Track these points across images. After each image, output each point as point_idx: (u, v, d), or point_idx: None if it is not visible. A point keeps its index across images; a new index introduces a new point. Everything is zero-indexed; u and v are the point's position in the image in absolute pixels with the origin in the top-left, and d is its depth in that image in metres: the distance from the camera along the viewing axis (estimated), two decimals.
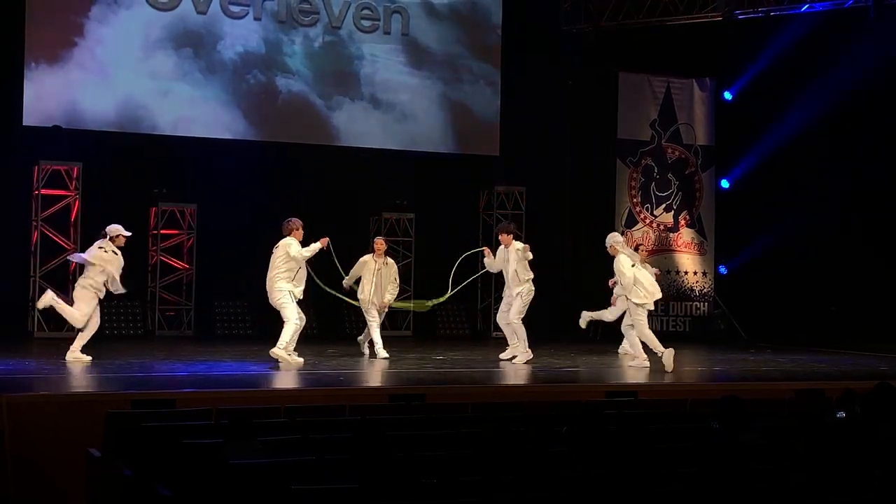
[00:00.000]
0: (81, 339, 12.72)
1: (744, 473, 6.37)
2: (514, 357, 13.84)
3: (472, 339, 18.05)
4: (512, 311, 13.92)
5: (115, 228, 12.86)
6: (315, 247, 12.90)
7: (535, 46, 19.06)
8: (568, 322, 18.09)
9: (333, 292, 14.08)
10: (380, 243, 14.35)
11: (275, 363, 12.52)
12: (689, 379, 13.70)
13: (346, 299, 14.34)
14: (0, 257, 16.30)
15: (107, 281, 12.75)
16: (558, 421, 8.01)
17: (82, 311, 12.67)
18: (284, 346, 12.63)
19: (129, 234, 12.98)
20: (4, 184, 16.37)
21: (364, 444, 6.10)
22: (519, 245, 13.98)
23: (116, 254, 12.82)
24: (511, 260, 13.93)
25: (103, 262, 12.72)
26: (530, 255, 13.78)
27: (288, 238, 12.88)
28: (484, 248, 14.68)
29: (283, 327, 12.86)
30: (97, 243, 12.86)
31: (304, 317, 12.96)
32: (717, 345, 18.37)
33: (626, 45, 19.14)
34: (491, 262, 14.36)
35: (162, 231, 17.06)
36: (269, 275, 12.84)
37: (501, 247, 14.15)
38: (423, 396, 10.43)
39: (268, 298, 12.94)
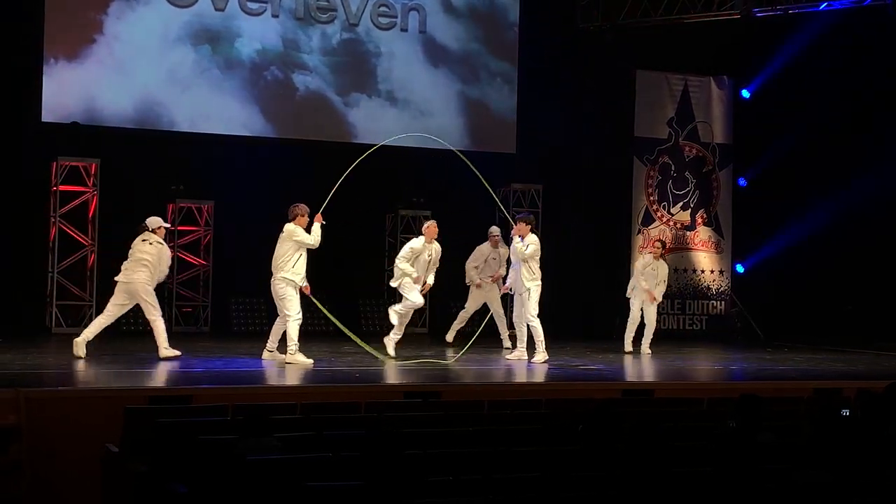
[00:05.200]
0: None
1: (759, 472, 6.35)
2: (530, 357, 13.75)
3: (482, 337, 18.00)
4: (527, 312, 13.77)
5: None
6: (317, 228, 12.73)
7: (552, 44, 19.04)
8: (583, 320, 18.09)
9: (340, 326, 13.83)
10: (433, 228, 14.01)
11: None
12: (705, 378, 13.68)
13: (351, 335, 13.77)
14: (19, 253, 16.38)
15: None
16: (574, 419, 7.99)
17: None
18: (295, 349, 12.61)
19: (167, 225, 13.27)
20: (23, 180, 16.45)
21: (379, 441, 6.10)
22: (533, 238, 13.84)
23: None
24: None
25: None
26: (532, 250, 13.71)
27: (291, 224, 12.74)
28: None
29: (274, 324, 12.89)
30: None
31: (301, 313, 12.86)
32: (734, 343, 18.34)
33: (643, 43, 19.08)
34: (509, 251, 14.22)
35: (179, 227, 17.10)
36: (275, 262, 12.73)
37: (516, 238, 13.96)
38: (439, 394, 10.44)
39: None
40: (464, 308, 15.53)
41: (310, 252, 12.89)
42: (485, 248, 15.40)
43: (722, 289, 20.04)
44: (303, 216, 12.82)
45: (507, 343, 14.91)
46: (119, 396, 9.43)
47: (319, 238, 12.79)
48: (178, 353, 12.73)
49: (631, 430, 6.71)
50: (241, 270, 16.98)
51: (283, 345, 12.83)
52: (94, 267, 16.29)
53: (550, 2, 19.21)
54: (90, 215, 16.33)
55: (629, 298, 15.68)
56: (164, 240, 12.67)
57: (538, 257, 13.84)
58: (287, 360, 12.54)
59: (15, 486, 8.93)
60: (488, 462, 6.71)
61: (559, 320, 15.99)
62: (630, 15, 18.71)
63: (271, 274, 12.81)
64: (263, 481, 6.18)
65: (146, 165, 16.81)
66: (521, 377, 12.66)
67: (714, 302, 19.97)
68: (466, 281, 15.41)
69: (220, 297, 17.37)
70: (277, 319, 12.97)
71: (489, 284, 15.23)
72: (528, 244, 13.70)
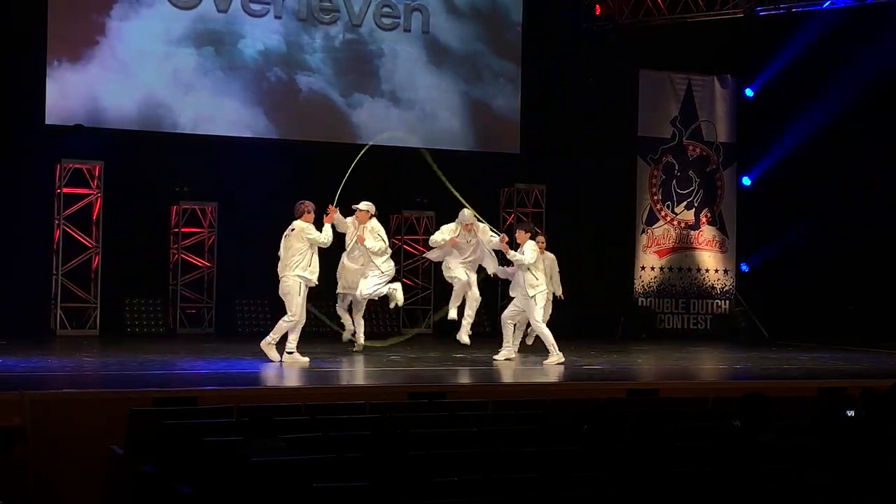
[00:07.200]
0: None
1: (760, 472, 6.35)
2: (542, 358, 13.65)
3: (492, 337, 18.01)
4: (533, 319, 13.55)
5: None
6: (328, 229, 12.75)
7: (555, 44, 19.04)
8: (587, 320, 18.10)
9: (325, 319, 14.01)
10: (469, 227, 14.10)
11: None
12: (710, 377, 13.67)
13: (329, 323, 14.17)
14: (22, 255, 16.38)
15: None
16: (579, 419, 7.99)
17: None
18: (293, 349, 12.59)
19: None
20: (27, 182, 16.44)
21: (384, 442, 6.11)
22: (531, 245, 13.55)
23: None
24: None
25: None
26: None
27: (301, 222, 12.63)
28: (502, 236, 14.25)
29: (282, 319, 12.82)
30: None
31: (304, 316, 12.79)
32: (739, 343, 18.33)
33: (646, 43, 19.08)
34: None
35: (183, 229, 17.09)
36: (284, 261, 12.64)
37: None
38: (444, 394, 10.44)
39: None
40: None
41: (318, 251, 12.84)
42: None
43: (726, 288, 20.03)
44: (309, 213, 12.73)
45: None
46: (123, 398, 9.44)
47: (331, 236, 12.81)
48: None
49: (632, 430, 6.71)
50: (245, 271, 16.98)
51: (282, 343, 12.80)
52: (99, 269, 16.30)
53: (553, 1, 19.21)
54: (94, 217, 16.34)
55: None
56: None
57: (540, 266, 13.69)
58: (283, 360, 12.53)
59: (18, 486, 8.94)
60: (493, 462, 6.71)
61: (561, 320, 15.95)
62: (633, 14, 18.72)
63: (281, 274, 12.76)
64: (268, 482, 6.18)
65: (150, 167, 16.82)
66: (525, 378, 12.65)
67: (718, 301, 19.97)
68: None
69: (224, 298, 17.36)
70: (286, 316, 12.88)
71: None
72: (523, 251, 13.53)
